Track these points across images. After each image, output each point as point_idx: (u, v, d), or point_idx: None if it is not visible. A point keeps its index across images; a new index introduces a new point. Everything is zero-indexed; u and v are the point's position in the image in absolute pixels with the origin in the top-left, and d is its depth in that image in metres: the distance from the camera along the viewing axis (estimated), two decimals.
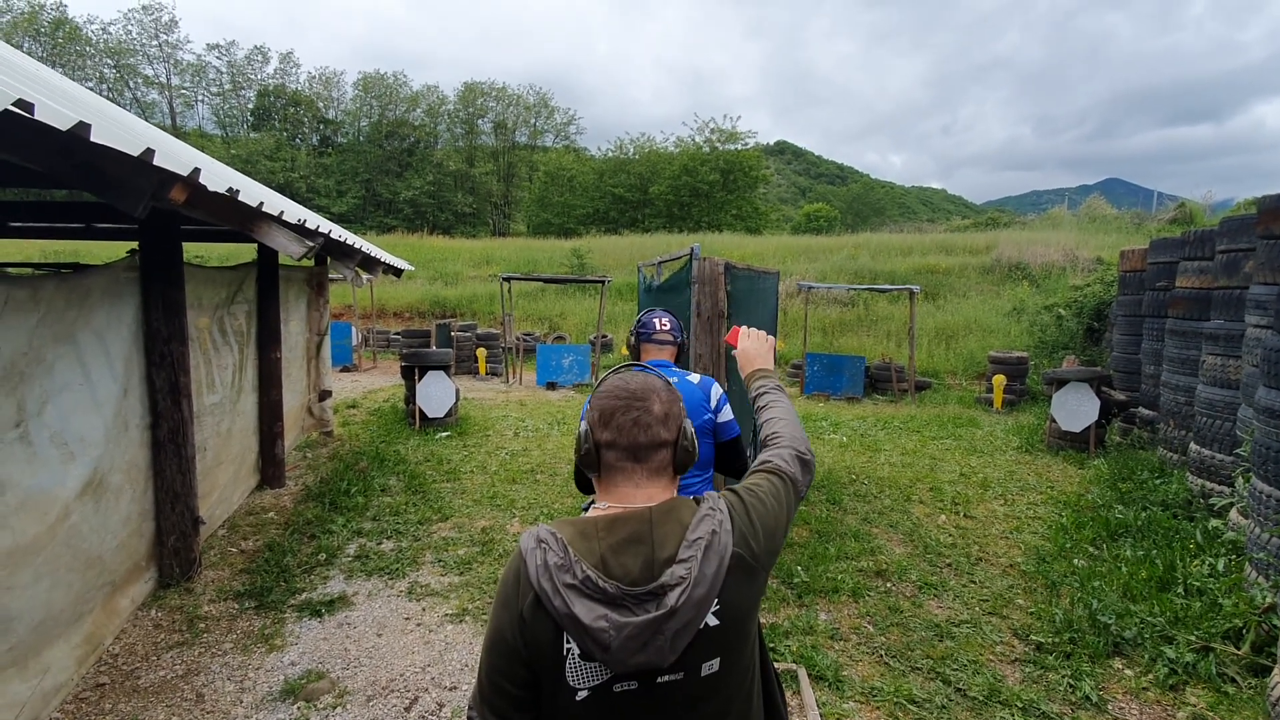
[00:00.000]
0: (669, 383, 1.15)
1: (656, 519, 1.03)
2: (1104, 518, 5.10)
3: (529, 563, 0.99)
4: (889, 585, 4.13)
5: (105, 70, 45.55)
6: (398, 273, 7.57)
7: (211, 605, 3.78)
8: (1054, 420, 7.52)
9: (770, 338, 1.64)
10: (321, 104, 50.42)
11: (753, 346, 1.60)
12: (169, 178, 1.81)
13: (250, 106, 50.11)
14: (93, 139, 1.33)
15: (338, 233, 4.38)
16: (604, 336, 14.44)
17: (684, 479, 2.39)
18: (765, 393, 1.49)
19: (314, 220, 3.62)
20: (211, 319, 4.81)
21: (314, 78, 51.20)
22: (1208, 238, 5.73)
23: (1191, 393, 5.57)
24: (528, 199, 45.81)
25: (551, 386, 11.69)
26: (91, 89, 42.83)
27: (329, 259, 4.99)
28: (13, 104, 1.10)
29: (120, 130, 1.62)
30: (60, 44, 43.48)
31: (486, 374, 12.99)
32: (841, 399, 11.03)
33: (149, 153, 1.54)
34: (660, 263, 5.02)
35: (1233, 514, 4.38)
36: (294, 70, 52.04)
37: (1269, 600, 3.17)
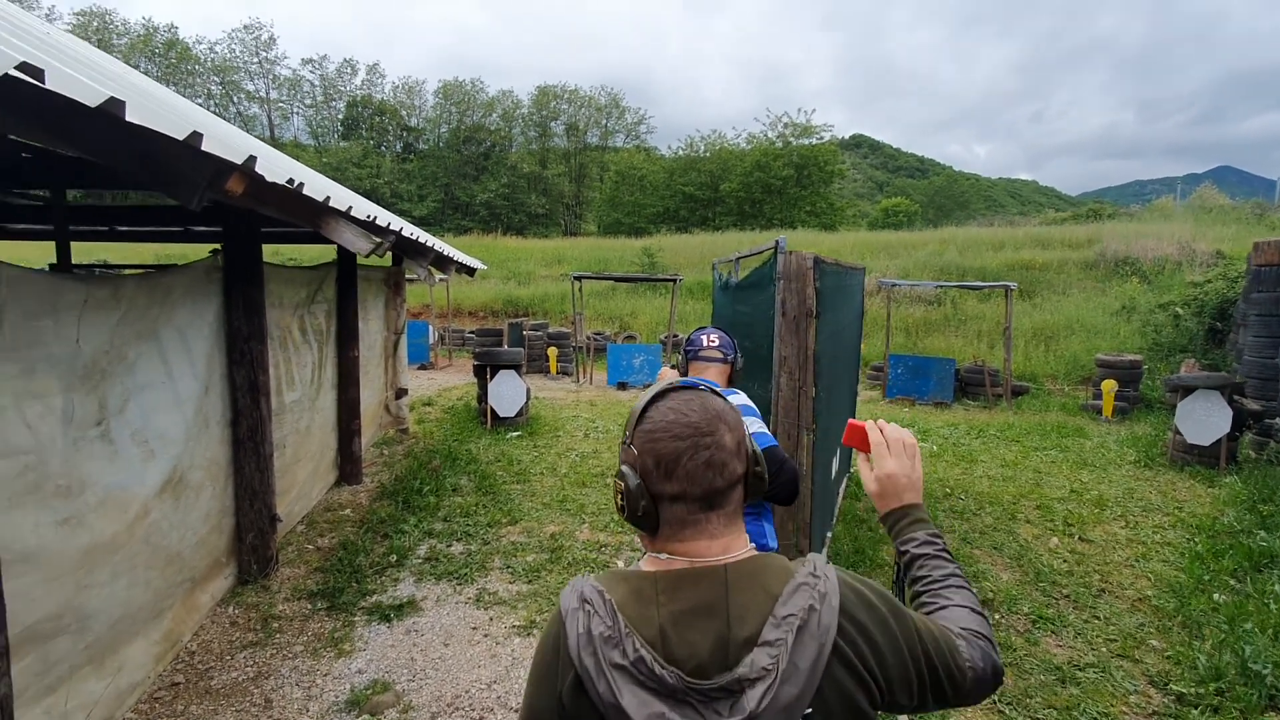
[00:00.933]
0: (723, 397, 0.94)
1: (734, 582, 0.82)
2: (1245, 545, 4.44)
3: (569, 630, 0.81)
4: (998, 617, 3.69)
5: (212, 87, 49.18)
6: (471, 271, 7.59)
7: (286, 604, 3.78)
8: (1178, 432, 6.71)
9: (916, 445, 1.11)
10: (405, 112, 52.60)
11: (898, 467, 1.07)
12: (224, 167, 1.70)
13: (340, 117, 52.88)
14: (127, 118, 1.20)
15: (409, 230, 4.34)
16: (675, 336, 14.20)
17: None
18: (931, 558, 1.02)
19: (384, 217, 3.56)
20: (292, 318, 4.87)
21: (398, 87, 53.54)
22: None
23: None
24: (598, 199, 46.17)
25: (622, 386, 11.56)
26: (200, 104, 46.37)
27: (403, 258, 4.96)
28: (16, 67, 0.96)
29: (171, 116, 1.49)
30: (173, 64, 47.21)
31: (557, 373, 13.01)
32: (929, 404, 10.35)
33: (196, 136, 1.41)
34: (738, 259, 4.73)
35: None
36: (380, 81, 54.62)
37: None
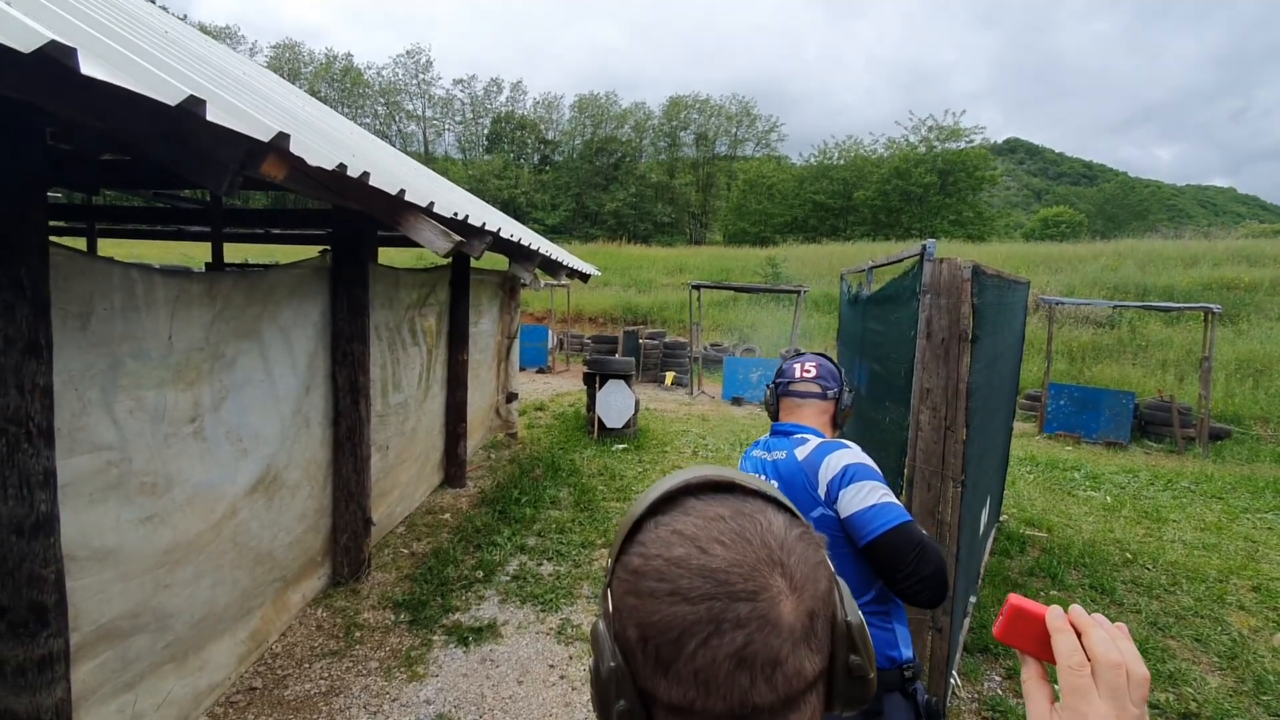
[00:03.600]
0: (791, 513, 0.53)
1: None
2: None
3: None
4: None
5: (379, 108, 54.35)
6: (585, 278, 7.45)
7: (371, 612, 3.69)
8: None
9: (1146, 675, 0.54)
10: (543, 126, 55.20)
11: (1107, 716, 0.52)
12: (257, 149, 1.46)
13: (485, 132, 56.49)
14: (83, 70, 0.94)
15: (510, 231, 4.14)
16: (798, 351, 13.41)
17: None
18: None
19: (478, 216, 3.36)
20: (401, 320, 4.88)
21: (538, 102, 56.31)
22: None
23: None
24: (725, 208, 45.70)
25: (737, 402, 11.01)
26: (368, 124, 51.43)
27: (510, 261, 4.83)
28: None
29: (225, 85, 1.26)
30: (348, 88, 52.73)
31: (672, 384, 12.69)
32: (1098, 443, 8.87)
33: (195, 102, 1.15)
34: (872, 268, 4.10)
35: None
36: (522, 97, 57.83)
37: None
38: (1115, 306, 11.93)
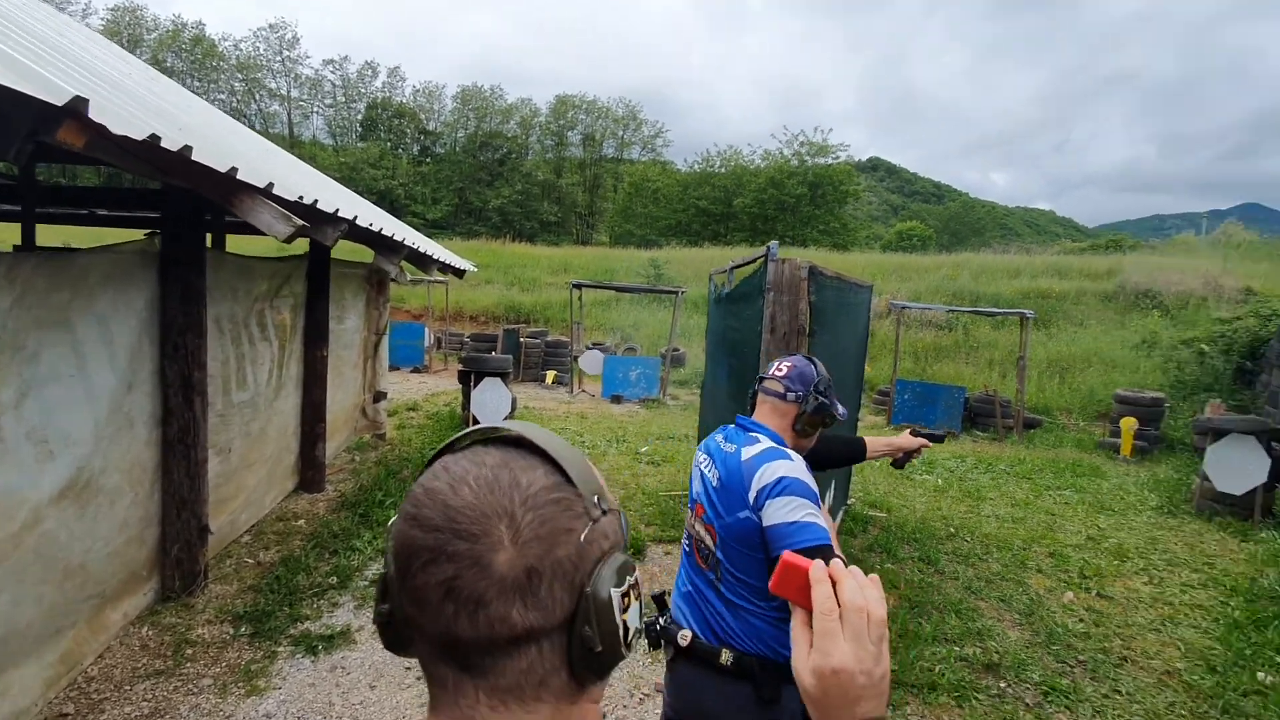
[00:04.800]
0: (567, 480, 0.54)
1: None
2: None
3: None
4: (1003, 685, 3.24)
5: (235, 84, 49.64)
6: (460, 273, 7.26)
7: (206, 627, 3.40)
8: (1207, 478, 6.22)
9: (884, 618, 0.65)
10: (423, 115, 52.91)
11: (854, 658, 0.61)
12: (50, 113, 1.33)
13: (359, 118, 53.23)
14: None
15: (369, 220, 3.96)
16: (676, 350, 13.81)
17: (748, 611, 1.52)
18: None
19: (330, 201, 3.19)
20: (249, 311, 4.53)
21: (418, 91, 53.90)
22: None
23: None
24: (611, 209, 46.12)
25: (616, 400, 11.16)
26: (222, 101, 46.84)
27: (375, 253, 4.62)
28: None
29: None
30: (199, 60, 47.73)
31: (553, 383, 12.64)
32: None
33: None
34: (733, 268, 4.34)
35: None
36: (400, 84, 55.11)
37: None
38: (950, 311, 13.36)
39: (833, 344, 3.60)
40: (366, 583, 3.98)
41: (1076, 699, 3.16)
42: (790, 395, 1.70)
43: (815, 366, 1.77)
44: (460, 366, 7.71)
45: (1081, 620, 3.95)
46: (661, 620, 1.66)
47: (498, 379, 7.37)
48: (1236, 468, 5.93)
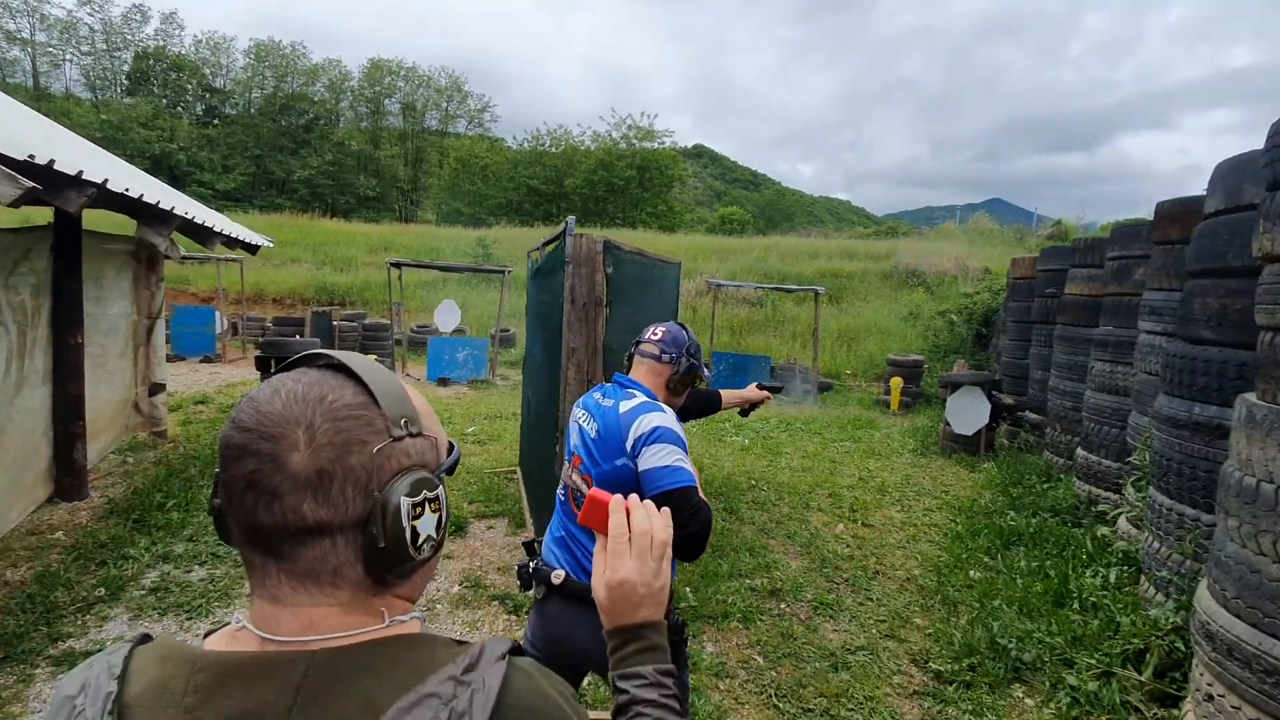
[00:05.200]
0: (373, 400, 0.60)
1: (315, 683, 0.54)
2: (997, 525, 4.99)
3: None
4: (783, 606, 3.76)
5: None
6: (253, 249, 6.58)
7: None
8: (948, 423, 7.54)
9: (667, 541, 0.82)
10: (208, 70, 46.15)
11: (637, 572, 0.78)
12: None
13: (126, 69, 45.06)
14: None
15: (124, 183, 3.48)
16: (505, 330, 13.67)
17: None
18: (655, 706, 0.75)
19: (72, 161, 2.78)
20: None
21: (200, 42, 46.83)
22: (1098, 245, 5.80)
23: (1079, 398, 5.61)
24: (437, 186, 43.82)
25: (443, 382, 10.83)
26: None
27: (138, 224, 4.06)
28: None
29: None
30: None
31: None
32: None
33: None
34: (544, 244, 4.44)
35: (1121, 522, 4.32)
36: (178, 32, 47.42)
37: (1172, 621, 3.00)
38: (757, 288, 14.65)
39: (636, 315, 3.84)
40: (144, 592, 3.58)
41: (838, 609, 3.75)
42: (665, 357, 1.88)
43: (686, 332, 1.96)
44: (257, 353, 7.03)
45: (848, 546, 4.67)
46: (533, 564, 1.80)
47: None
48: (968, 413, 7.27)
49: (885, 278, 17.72)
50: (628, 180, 39.79)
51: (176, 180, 38.70)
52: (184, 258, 12.93)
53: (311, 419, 0.56)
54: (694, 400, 2.34)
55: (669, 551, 0.81)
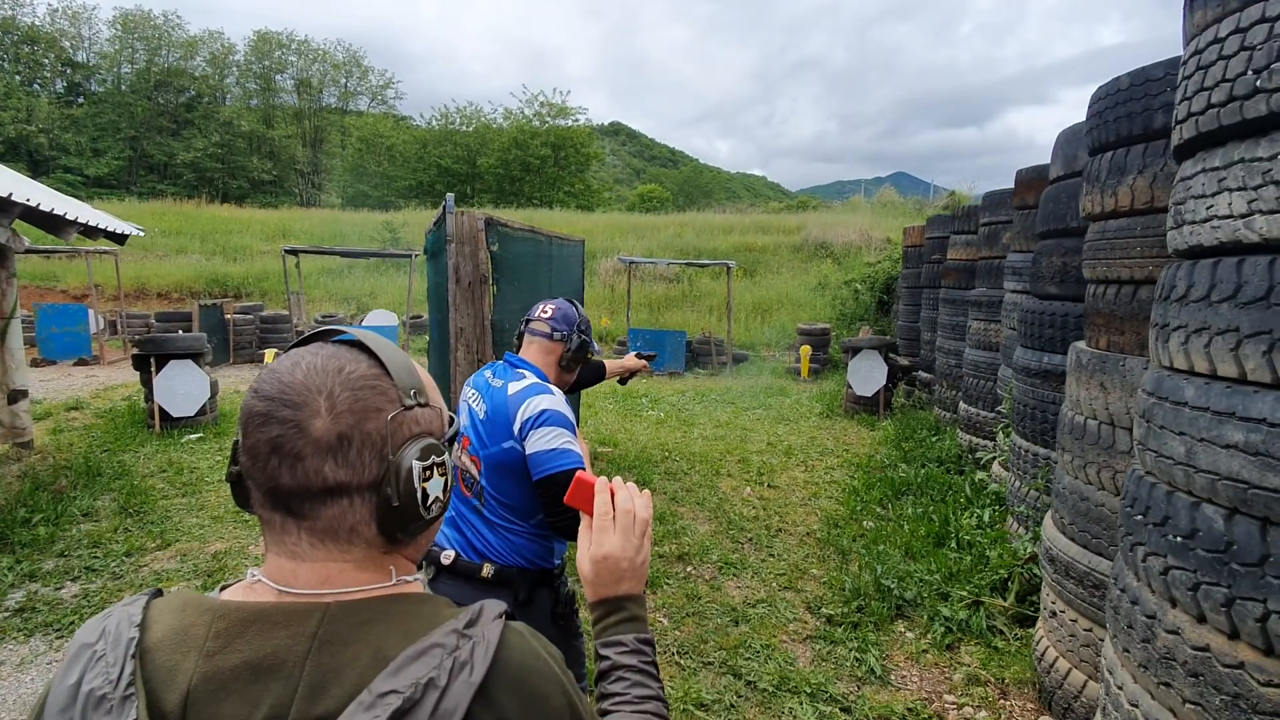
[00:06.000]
0: (385, 372, 0.66)
1: (330, 633, 0.58)
2: (890, 477, 5.33)
3: (55, 682, 0.57)
4: (690, 569, 3.89)
5: None
6: (120, 238, 6.06)
7: None
8: (850, 386, 7.94)
9: (648, 519, 0.89)
10: (68, 43, 41.60)
11: (620, 547, 0.85)
12: None
13: None
14: None
15: None
16: (416, 317, 13.25)
17: (508, 529, 1.69)
18: (635, 672, 0.80)
19: None
20: None
21: (56, 11, 42.06)
22: (973, 212, 6.20)
23: (960, 356, 6.02)
24: (340, 168, 41.54)
25: None
26: None
27: None
28: None
29: None
30: None
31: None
32: (664, 374, 11.01)
33: None
34: (436, 223, 4.32)
35: (995, 466, 4.71)
36: (29, 1, 42.39)
37: (1029, 550, 3.31)
38: (669, 264, 14.83)
39: (532, 293, 3.82)
40: (8, 614, 3.29)
41: (742, 567, 3.92)
42: (556, 334, 1.86)
43: (576, 308, 1.94)
44: (134, 351, 6.52)
45: (754, 508, 4.87)
46: None
47: (188, 360, 6.42)
48: (867, 376, 7.67)
49: (796, 250, 18.30)
50: (543, 159, 39.03)
51: (37, 166, 34.93)
52: (50, 252, 11.78)
53: (332, 388, 0.61)
54: (582, 371, 2.38)
55: (650, 530, 0.88)
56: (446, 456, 0.68)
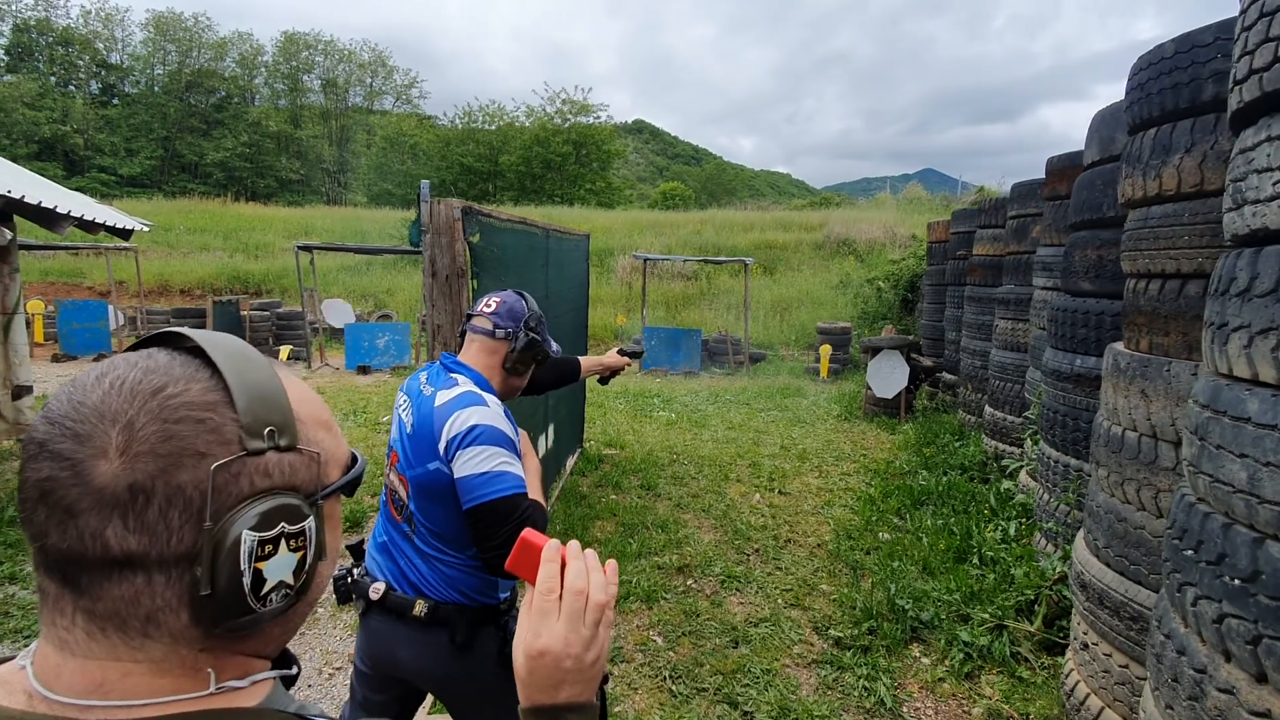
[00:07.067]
0: (213, 393, 0.48)
1: None
2: (909, 485, 5.04)
3: None
4: (690, 583, 3.67)
5: None
6: (126, 234, 6.03)
7: None
8: (869, 387, 7.63)
9: (607, 604, 0.66)
10: (102, 45, 42.65)
11: (561, 639, 0.62)
12: None
13: (4, 43, 41.19)
14: None
15: None
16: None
17: (441, 561, 1.45)
18: None
19: None
20: None
21: (89, 13, 43.14)
22: (1000, 205, 5.87)
23: (986, 357, 5.70)
24: (365, 166, 42.00)
25: (364, 370, 10.36)
26: None
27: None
28: None
29: None
30: None
31: (288, 359, 11.31)
32: (679, 374, 10.77)
33: None
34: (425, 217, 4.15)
35: (1022, 476, 4.40)
36: (63, 4, 43.56)
37: (1058, 570, 3.03)
38: (685, 260, 14.57)
39: (522, 290, 3.63)
40: None
41: (746, 581, 3.68)
42: (499, 332, 1.60)
43: (526, 301, 1.69)
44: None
45: (762, 516, 4.62)
46: (355, 573, 1.55)
47: None
48: (887, 377, 7.36)
49: (818, 248, 17.90)
50: (564, 157, 39.01)
51: (73, 165, 35.85)
52: (74, 248, 11.94)
53: (134, 417, 0.44)
54: (549, 371, 2.14)
55: (610, 616, 0.65)
56: (308, 524, 0.50)
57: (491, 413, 1.47)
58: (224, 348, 0.50)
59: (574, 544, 0.69)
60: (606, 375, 2.40)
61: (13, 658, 0.49)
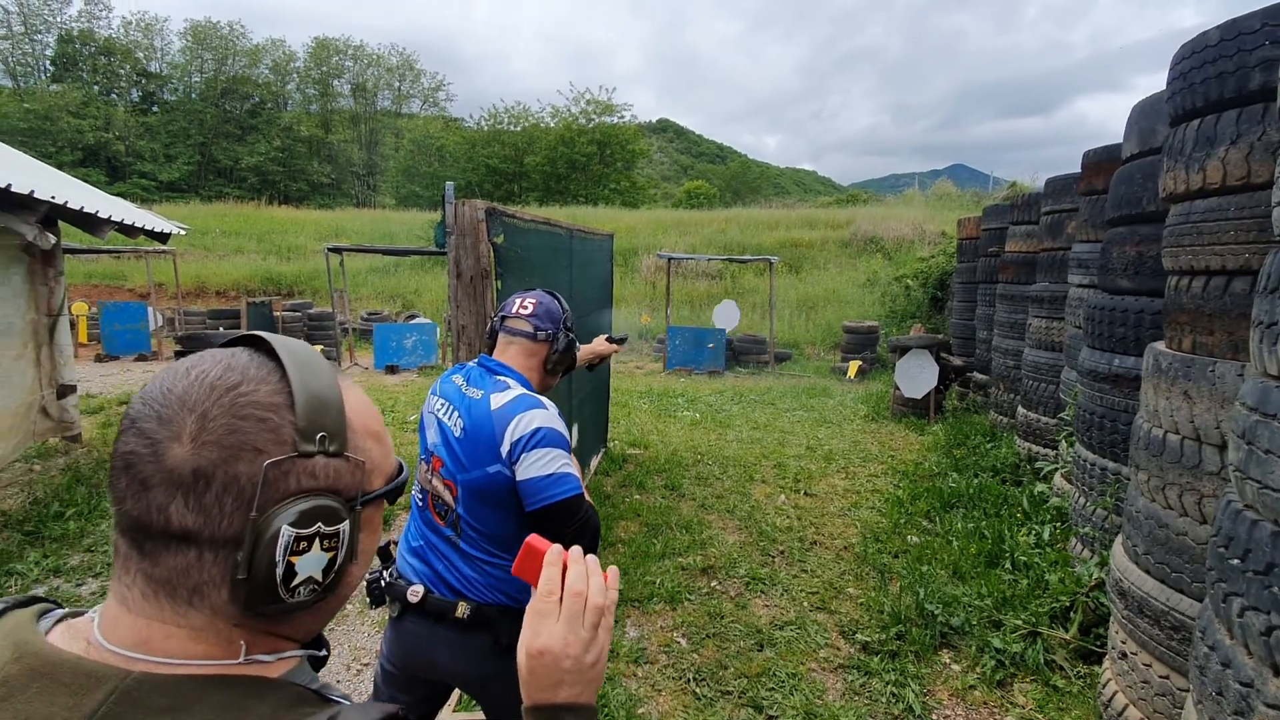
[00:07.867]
0: (278, 396, 0.53)
1: (108, 711, 0.45)
2: (939, 488, 4.95)
3: None
4: (714, 584, 3.64)
5: None
6: (162, 237, 6.19)
7: None
8: (897, 387, 7.50)
9: (606, 608, 0.68)
10: (141, 54, 43.98)
11: (560, 640, 0.64)
12: None
13: (50, 54, 42.71)
14: None
15: None
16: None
17: (488, 563, 1.48)
18: None
19: None
20: None
21: (130, 23, 44.51)
22: (1034, 201, 5.72)
23: (1019, 356, 5.57)
24: (393, 169, 42.67)
25: (391, 370, 10.52)
26: None
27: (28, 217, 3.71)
28: None
29: None
30: None
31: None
32: (704, 373, 10.73)
33: None
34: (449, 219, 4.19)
35: (1057, 478, 4.29)
36: (105, 14, 44.95)
37: (1095, 576, 2.94)
38: (709, 259, 14.48)
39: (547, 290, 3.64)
40: None
41: (771, 584, 3.65)
42: (541, 334, 1.61)
43: (559, 301, 1.70)
44: (176, 348, 6.67)
45: (788, 517, 4.57)
46: (386, 575, 1.55)
47: None
48: (916, 376, 7.23)
49: (844, 245, 17.67)
50: (589, 157, 39.15)
51: (115, 171, 37.03)
52: (116, 252, 12.31)
53: (208, 409, 0.50)
54: None
55: (609, 620, 0.68)
56: (343, 527, 0.54)
57: (551, 415, 1.48)
58: (295, 355, 0.55)
59: (575, 549, 0.71)
60: (595, 362, 2.40)
61: (82, 613, 0.54)
